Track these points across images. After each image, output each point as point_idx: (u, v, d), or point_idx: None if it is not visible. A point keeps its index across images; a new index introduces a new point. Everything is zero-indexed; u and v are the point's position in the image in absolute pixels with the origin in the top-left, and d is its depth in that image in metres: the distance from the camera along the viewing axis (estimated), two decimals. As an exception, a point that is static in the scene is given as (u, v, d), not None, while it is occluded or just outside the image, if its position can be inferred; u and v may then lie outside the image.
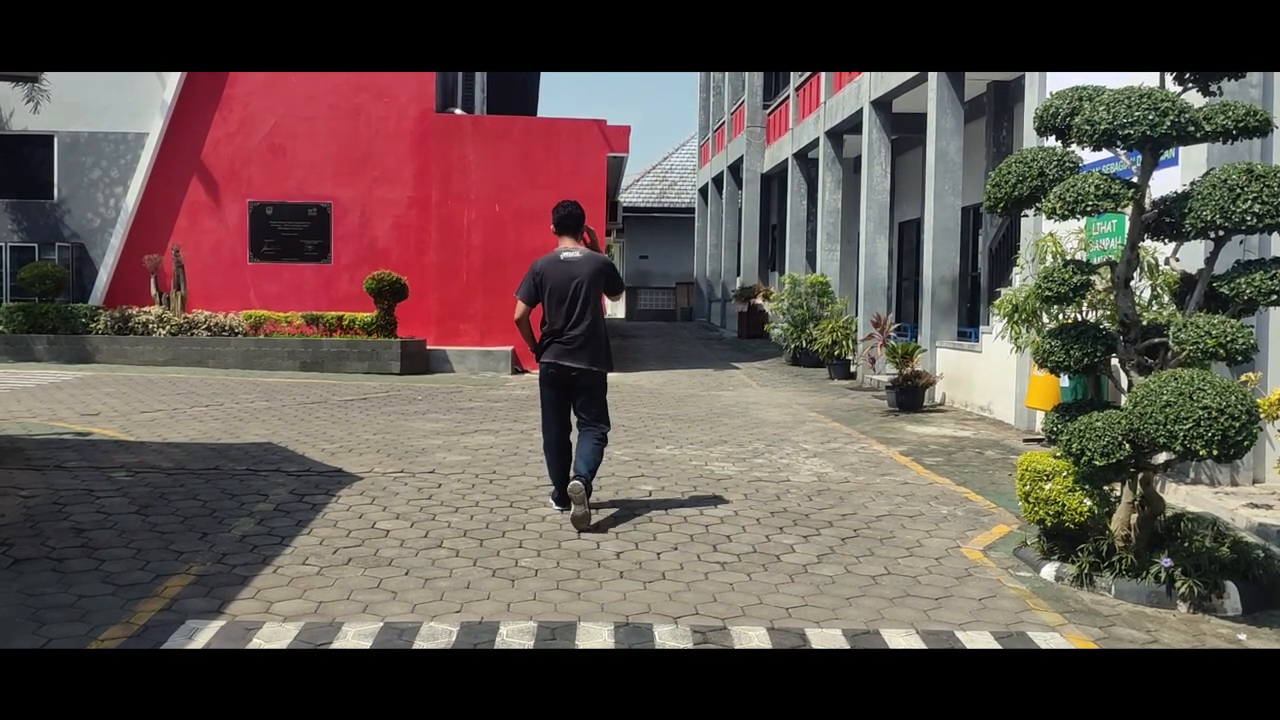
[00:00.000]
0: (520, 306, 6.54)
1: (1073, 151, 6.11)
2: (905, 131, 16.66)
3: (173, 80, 16.85)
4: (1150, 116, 5.35)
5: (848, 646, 4.46)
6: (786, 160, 21.97)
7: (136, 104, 16.90)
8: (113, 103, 16.87)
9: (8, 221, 17.14)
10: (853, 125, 17.42)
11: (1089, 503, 5.52)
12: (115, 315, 15.93)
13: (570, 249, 6.57)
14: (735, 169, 27.06)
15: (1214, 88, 5.97)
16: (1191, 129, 5.49)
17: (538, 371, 6.76)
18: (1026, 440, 10.11)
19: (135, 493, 6.82)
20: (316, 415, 10.80)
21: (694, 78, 34.10)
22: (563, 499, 6.51)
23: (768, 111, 24.83)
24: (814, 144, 19.76)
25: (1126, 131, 5.41)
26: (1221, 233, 5.44)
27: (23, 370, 14.49)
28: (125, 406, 11.04)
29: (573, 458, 6.45)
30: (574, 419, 6.66)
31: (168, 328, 15.88)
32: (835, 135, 18.62)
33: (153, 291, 16.28)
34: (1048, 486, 5.66)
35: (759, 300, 23.01)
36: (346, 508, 6.60)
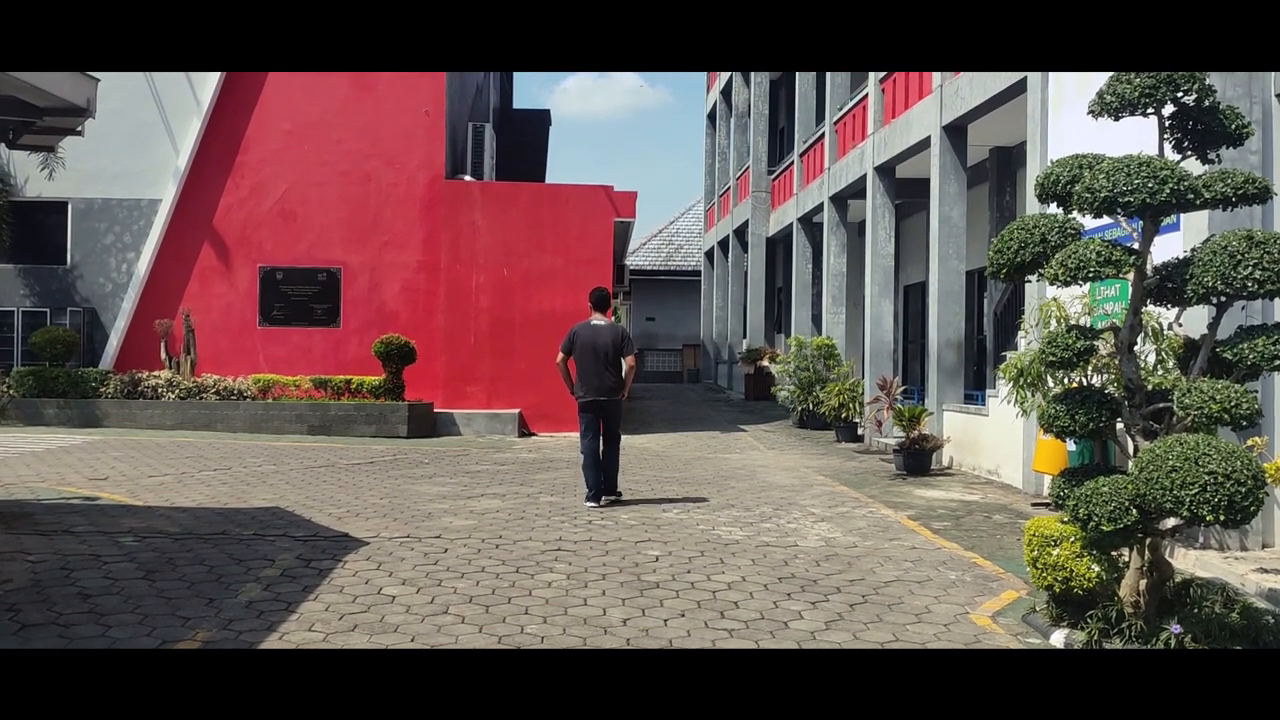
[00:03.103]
0: (560, 355, 9.47)
1: (1074, 218, 6.18)
2: (909, 196, 16.82)
3: (187, 147, 17.12)
4: (1150, 184, 5.42)
5: None
6: (791, 224, 22.16)
7: (151, 170, 17.15)
8: (127, 169, 17.12)
9: (20, 286, 17.32)
10: (856, 190, 17.60)
11: (1097, 568, 5.50)
12: (125, 379, 16.02)
13: (599, 319, 9.52)
14: (741, 233, 27.29)
15: (1212, 155, 6.06)
16: (1191, 196, 5.56)
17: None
18: (1035, 505, 10.07)
19: (142, 558, 6.83)
20: (323, 479, 10.81)
21: (700, 144, 34.48)
22: (595, 498, 9.39)
23: (772, 177, 25.09)
24: (818, 208, 19.95)
25: (1127, 199, 5.48)
26: (1223, 298, 5.48)
27: (32, 434, 14.55)
28: (133, 471, 11.06)
29: (602, 473, 9.47)
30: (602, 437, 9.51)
31: (177, 392, 15.95)
32: (839, 200, 18.80)
33: (162, 356, 16.38)
34: (1055, 552, 5.64)
35: (765, 362, 23.06)
36: (353, 573, 6.59)
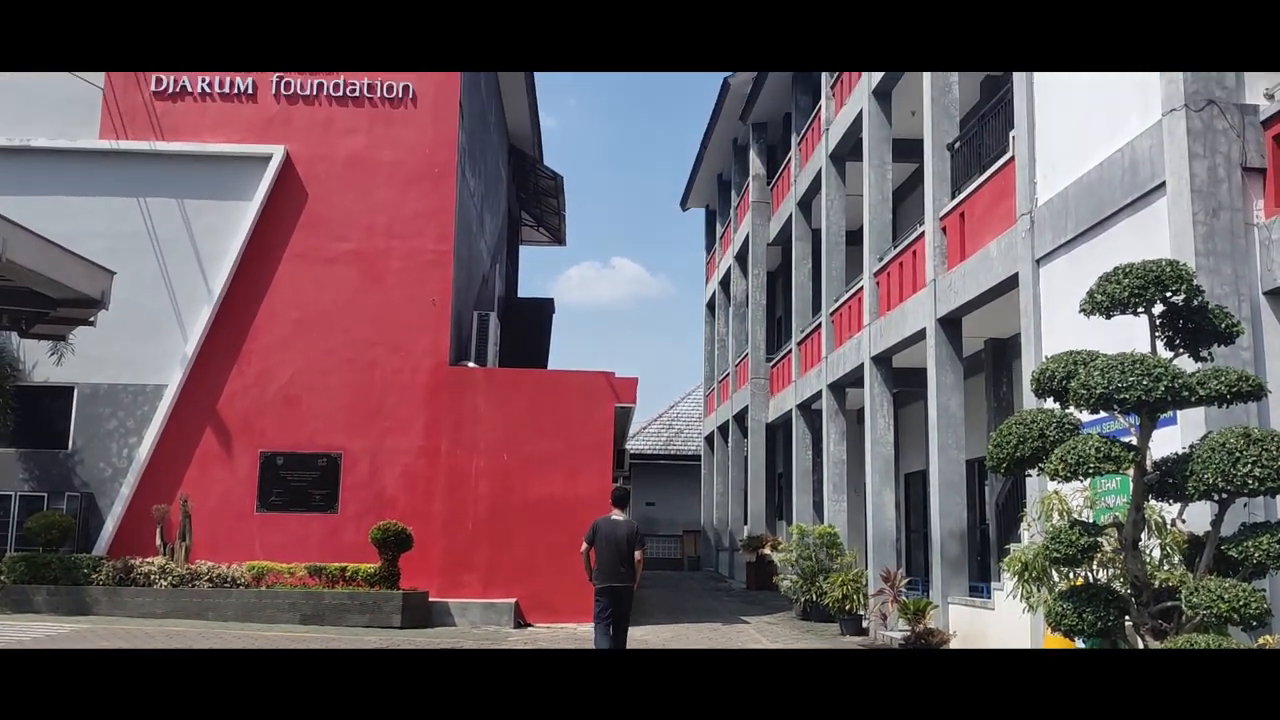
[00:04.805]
0: (584, 545, 10.45)
1: (1071, 413, 6.24)
2: (906, 385, 16.99)
3: (195, 334, 17.40)
4: (1144, 382, 5.51)
5: None
6: (790, 411, 22.30)
7: (158, 357, 17.37)
8: (135, 356, 17.35)
9: (20, 471, 17.29)
10: (854, 379, 17.80)
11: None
12: (117, 566, 15.79)
13: (618, 515, 10.54)
14: (740, 418, 27.43)
15: (1204, 352, 6.17)
16: (1186, 394, 5.64)
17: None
18: (1046, 702, 9.76)
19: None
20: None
21: (700, 331, 35.10)
22: None
23: (771, 364, 25.41)
24: (817, 396, 20.13)
25: (1122, 396, 5.56)
26: (1224, 495, 5.49)
27: (20, 622, 14.24)
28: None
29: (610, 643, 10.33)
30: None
31: (169, 579, 15.70)
32: (838, 388, 18.99)
33: (157, 542, 16.20)
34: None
35: (767, 550, 22.79)
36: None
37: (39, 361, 17.14)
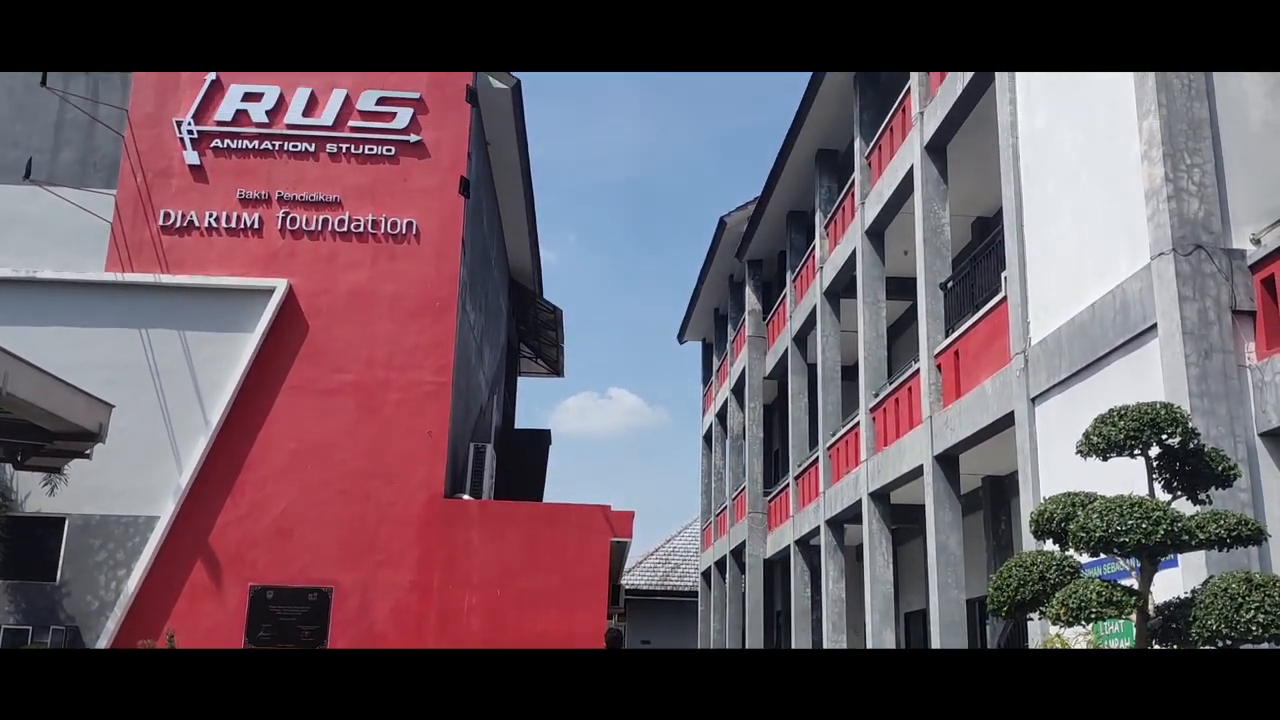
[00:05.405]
0: None
1: (1071, 555, 6.20)
2: (905, 522, 16.89)
3: (190, 465, 17.31)
4: (1144, 525, 5.50)
5: None
6: (789, 546, 22.08)
7: (152, 488, 17.24)
8: (129, 487, 17.22)
9: (6, 603, 16.99)
10: (853, 515, 17.69)
11: None
12: (99, 703, 15.39)
13: None
14: (738, 553, 27.14)
15: (1203, 495, 6.17)
16: (1186, 537, 5.62)
17: None
18: None
19: None
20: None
21: (696, 463, 34.99)
22: None
23: (768, 498, 25.27)
24: (815, 532, 19.97)
25: (1122, 539, 5.54)
26: (1229, 641, 5.41)
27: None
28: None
29: None
30: None
31: (151, 717, 15.29)
32: (836, 524, 18.85)
33: (141, 677, 15.83)
34: None
35: (765, 691, 22.25)
36: None
37: (32, 492, 17.02)
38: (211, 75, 18.48)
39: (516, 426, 31.76)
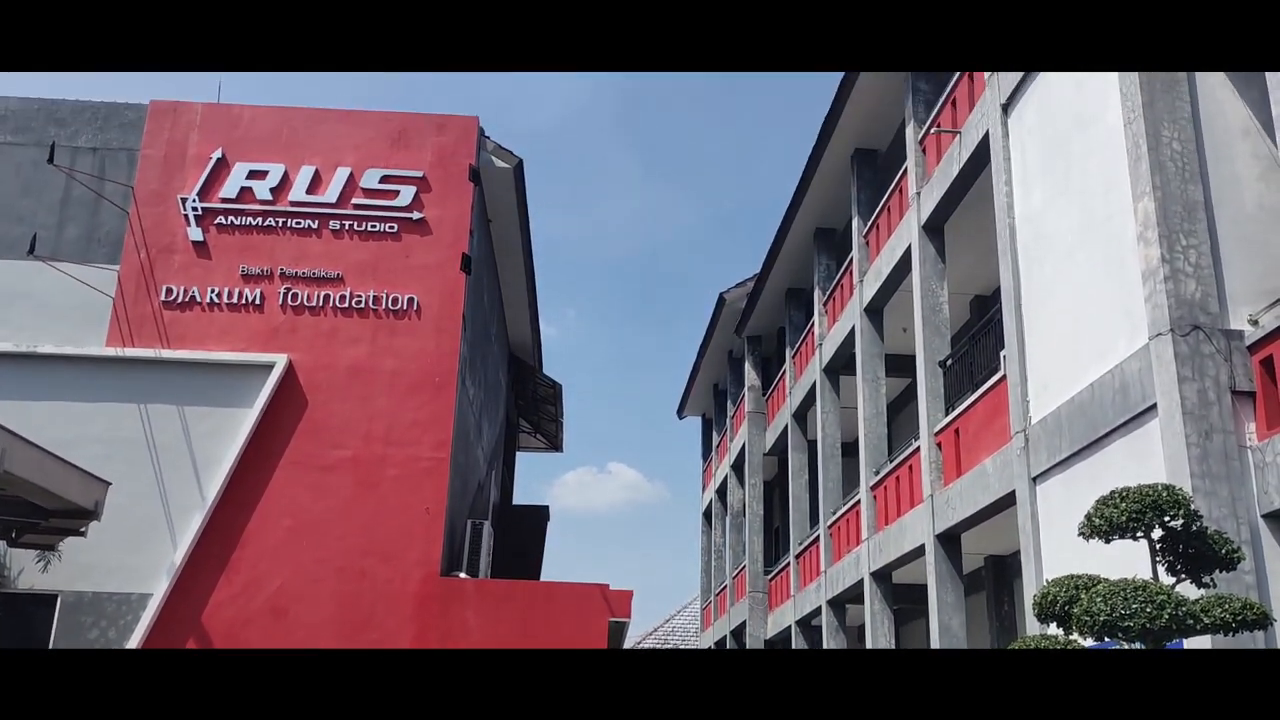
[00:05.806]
0: None
1: (1075, 639, 6.12)
2: (907, 602, 16.69)
3: (185, 542, 17.14)
4: (1148, 609, 5.43)
5: None
6: (790, 627, 21.80)
7: (147, 565, 17.05)
8: (123, 564, 17.02)
9: (-6, 682, 16.72)
10: (854, 594, 17.49)
11: None
12: (85, 786, 15.06)
13: None
14: (738, 634, 26.78)
15: (1207, 578, 6.11)
16: (1190, 621, 5.55)
17: None
18: None
19: None
20: None
21: (697, 543, 34.71)
22: None
23: (769, 577, 25.01)
24: (816, 612, 19.73)
25: (1126, 624, 5.47)
26: (1239, 731, 5.31)
27: None
28: None
29: None
30: None
31: (138, 801, 14.95)
32: (837, 604, 18.63)
33: (129, 760, 15.52)
34: None
35: (766, 775, 21.80)
36: None
37: (25, 568, 16.84)
38: (218, 153, 18.71)
39: (515, 502, 31.57)
